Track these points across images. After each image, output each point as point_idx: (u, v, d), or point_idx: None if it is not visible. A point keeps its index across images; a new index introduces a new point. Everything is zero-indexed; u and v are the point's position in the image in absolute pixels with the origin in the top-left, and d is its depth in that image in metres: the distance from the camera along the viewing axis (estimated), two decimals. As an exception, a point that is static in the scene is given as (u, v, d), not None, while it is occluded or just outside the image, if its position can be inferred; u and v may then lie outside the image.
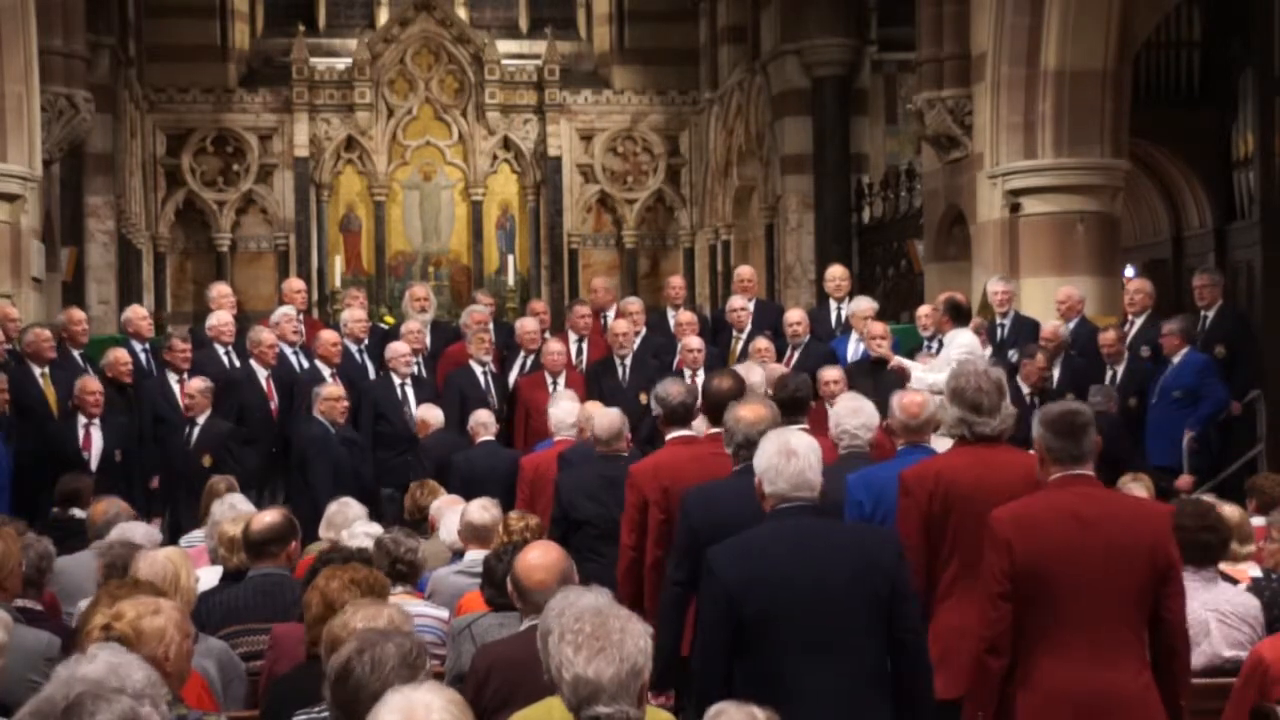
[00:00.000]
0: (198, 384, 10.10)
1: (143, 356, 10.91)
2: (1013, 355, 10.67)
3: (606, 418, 7.25)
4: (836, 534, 4.43)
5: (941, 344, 10.45)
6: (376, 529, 6.72)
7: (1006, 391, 4.96)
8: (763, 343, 10.72)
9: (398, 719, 2.87)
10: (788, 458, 4.41)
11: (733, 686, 4.04)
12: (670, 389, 6.40)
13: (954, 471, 4.88)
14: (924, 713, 4.30)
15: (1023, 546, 4.19)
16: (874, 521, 5.30)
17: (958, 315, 10.04)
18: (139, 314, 11.46)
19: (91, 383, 9.77)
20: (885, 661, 4.24)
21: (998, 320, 11.34)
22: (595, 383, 10.72)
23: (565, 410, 8.59)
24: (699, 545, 4.87)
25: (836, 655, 4.16)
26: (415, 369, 11.01)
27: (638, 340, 11.23)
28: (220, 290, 11.94)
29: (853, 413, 6.12)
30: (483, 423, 9.71)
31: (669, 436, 6.36)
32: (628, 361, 10.94)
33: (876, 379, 9.96)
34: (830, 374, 9.50)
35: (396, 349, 10.89)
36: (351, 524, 6.92)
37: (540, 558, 4.67)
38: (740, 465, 5.35)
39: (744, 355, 11.01)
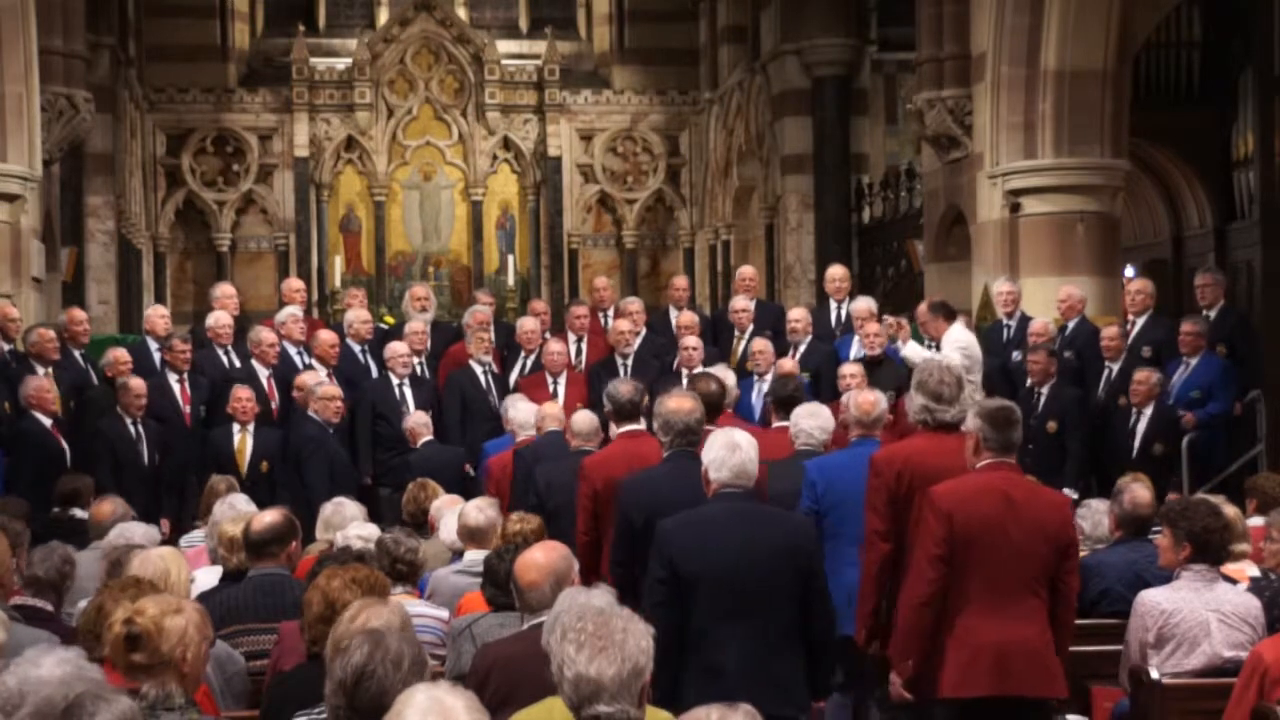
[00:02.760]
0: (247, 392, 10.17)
1: (156, 356, 10.91)
2: (1017, 355, 10.68)
3: (584, 417, 7.79)
4: (765, 517, 5.13)
5: (939, 347, 10.49)
6: (370, 530, 6.71)
7: (965, 385, 5.69)
8: (760, 344, 10.72)
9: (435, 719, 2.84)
10: (732, 451, 5.10)
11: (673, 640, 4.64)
12: (620, 388, 6.93)
13: (919, 455, 5.50)
14: (828, 662, 5.16)
15: (961, 517, 4.91)
16: (823, 502, 6.19)
17: (949, 314, 10.28)
18: (158, 313, 11.49)
19: (44, 381, 9.77)
20: (798, 620, 4.93)
21: (1004, 321, 11.34)
22: (596, 382, 10.71)
23: (524, 411, 9.07)
24: (634, 527, 5.66)
25: (758, 614, 4.87)
26: (415, 369, 11.01)
27: (638, 340, 11.23)
28: (225, 290, 11.95)
29: (811, 415, 7.10)
30: (423, 423, 10.27)
31: (618, 431, 6.86)
32: (629, 361, 10.95)
33: (875, 377, 10.00)
34: (848, 369, 9.74)
35: (395, 349, 10.91)
36: (348, 524, 6.92)
37: (535, 558, 4.72)
38: (671, 452, 5.90)
39: (746, 355, 11.02)
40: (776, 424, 7.70)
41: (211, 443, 10.16)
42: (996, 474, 5.03)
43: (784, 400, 7.64)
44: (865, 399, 6.68)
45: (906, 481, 5.41)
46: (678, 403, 5.99)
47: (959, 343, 9.83)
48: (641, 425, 6.80)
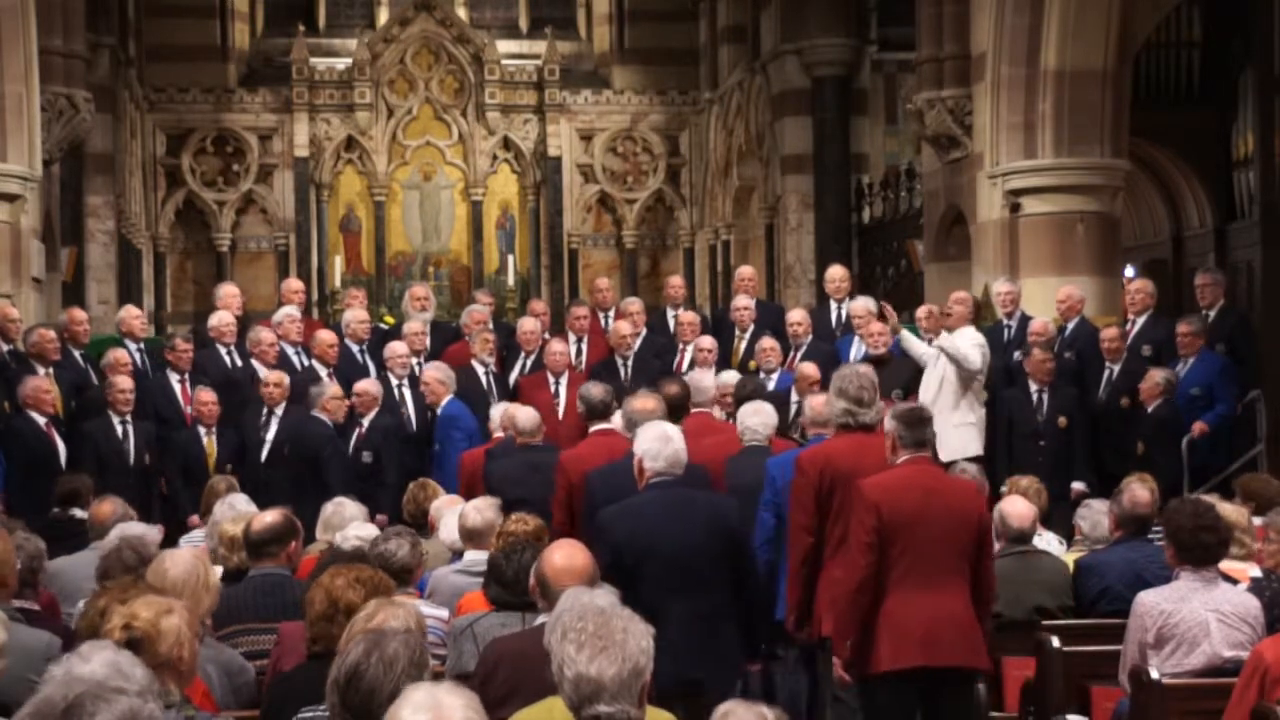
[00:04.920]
0: (369, 385, 10.31)
1: (137, 356, 10.90)
2: (1018, 356, 10.69)
3: (526, 414, 8.52)
4: (696, 501, 5.70)
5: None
6: (371, 530, 6.70)
7: (878, 390, 6.20)
8: (768, 342, 10.72)
9: (426, 717, 2.86)
10: (665, 442, 5.64)
11: None
12: (592, 390, 7.68)
13: (839, 454, 6.03)
14: (760, 631, 5.80)
15: (887, 508, 5.37)
16: (781, 495, 6.57)
17: (977, 313, 10.57)
18: (132, 314, 11.46)
19: (42, 381, 9.77)
20: (732, 593, 5.53)
21: (1004, 321, 11.34)
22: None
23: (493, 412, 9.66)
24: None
25: (696, 590, 5.42)
26: (413, 369, 11.00)
27: (638, 341, 11.23)
28: (228, 290, 11.95)
29: (755, 413, 7.62)
30: (375, 394, 10.40)
31: (591, 430, 7.56)
32: (630, 362, 10.94)
33: (882, 376, 10.03)
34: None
35: (395, 349, 10.92)
36: (348, 524, 6.90)
37: (567, 561, 4.77)
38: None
39: (748, 354, 11.02)
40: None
41: (179, 445, 10.09)
42: (915, 468, 5.52)
43: (745, 400, 8.13)
44: (818, 400, 7.21)
45: (829, 479, 5.93)
46: (642, 403, 6.71)
47: (976, 340, 10.00)
48: (612, 424, 7.41)
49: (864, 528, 5.38)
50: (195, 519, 9.17)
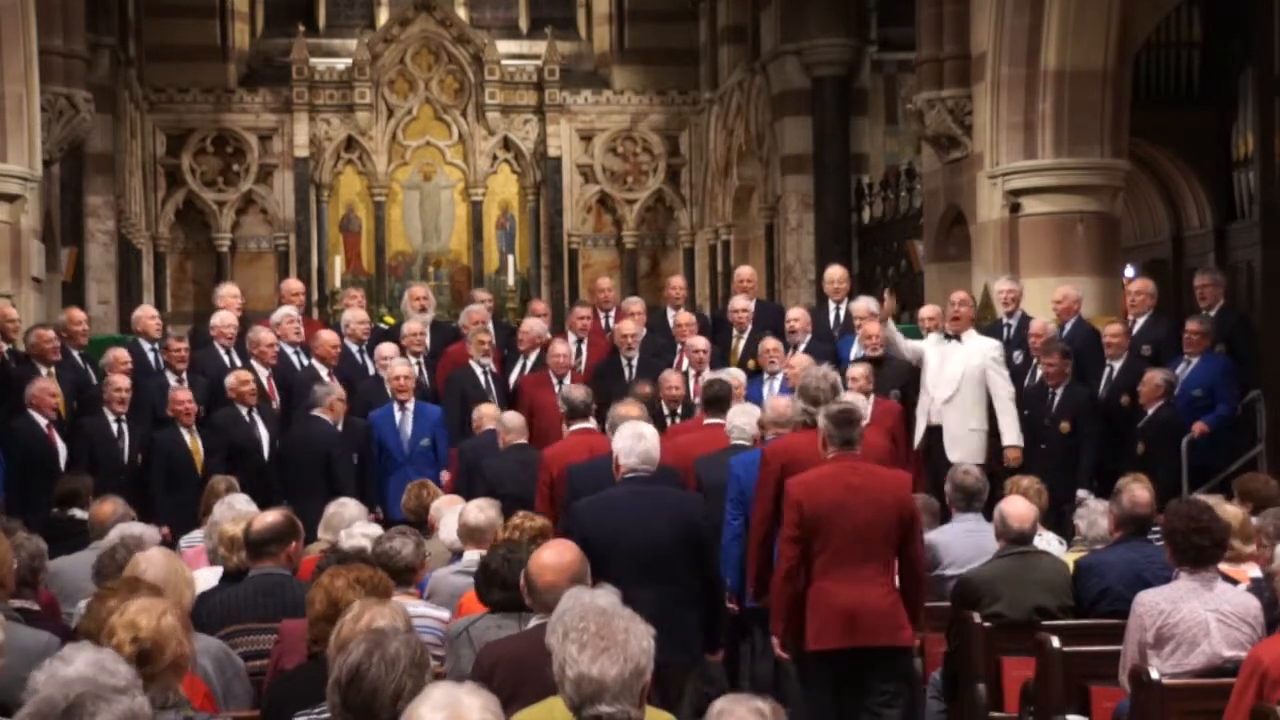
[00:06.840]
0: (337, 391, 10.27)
1: (151, 356, 10.90)
2: (1018, 356, 10.67)
3: (512, 415, 9.11)
4: (665, 496, 6.16)
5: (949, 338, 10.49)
6: (372, 530, 6.70)
7: (840, 390, 6.66)
8: (771, 342, 10.71)
9: (443, 715, 2.86)
10: (639, 440, 6.12)
11: None
12: (574, 392, 8.25)
13: (798, 447, 6.48)
14: (720, 617, 6.24)
15: (808, 504, 5.92)
16: (746, 492, 6.98)
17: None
18: (148, 313, 11.44)
19: (49, 383, 9.76)
20: (695, 584, 5.98)
21: (1004, 320, 11.32)
22: (601, 383, 10.66)
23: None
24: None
25: (659, 579, 5.81)
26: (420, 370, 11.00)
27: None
28: (229, 290, 11.95)
29: (742, 413, 8.01)
30: (340, 397, 10.30)
31: (571, 428, 8.05)
32: (634, 363, 10.94)
33: (879, 375, 10.12)
34: (856, 370, 9.93)
35: (383, 350, 10.99)
36: (350, 525, 6.90)
37: (553, 559, 4.78)
38: None
39: (746, 354, 11.03)
40: (707, 421, 8.36)
41: (160, 445, 9.97)
42: (840, 464, 6.01)
43: (711, 400, 8.44)
44: (780, 402, 7.71)
45: (789, 469, 6.29)
46: (626, 409, 7.21)
47: (998, 346, 10.23)
48: (591, 424, 7.88)
49: (788, 523, 5.96)
50: (166, 531, 9.13)
